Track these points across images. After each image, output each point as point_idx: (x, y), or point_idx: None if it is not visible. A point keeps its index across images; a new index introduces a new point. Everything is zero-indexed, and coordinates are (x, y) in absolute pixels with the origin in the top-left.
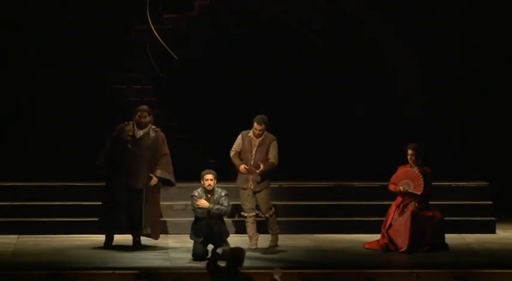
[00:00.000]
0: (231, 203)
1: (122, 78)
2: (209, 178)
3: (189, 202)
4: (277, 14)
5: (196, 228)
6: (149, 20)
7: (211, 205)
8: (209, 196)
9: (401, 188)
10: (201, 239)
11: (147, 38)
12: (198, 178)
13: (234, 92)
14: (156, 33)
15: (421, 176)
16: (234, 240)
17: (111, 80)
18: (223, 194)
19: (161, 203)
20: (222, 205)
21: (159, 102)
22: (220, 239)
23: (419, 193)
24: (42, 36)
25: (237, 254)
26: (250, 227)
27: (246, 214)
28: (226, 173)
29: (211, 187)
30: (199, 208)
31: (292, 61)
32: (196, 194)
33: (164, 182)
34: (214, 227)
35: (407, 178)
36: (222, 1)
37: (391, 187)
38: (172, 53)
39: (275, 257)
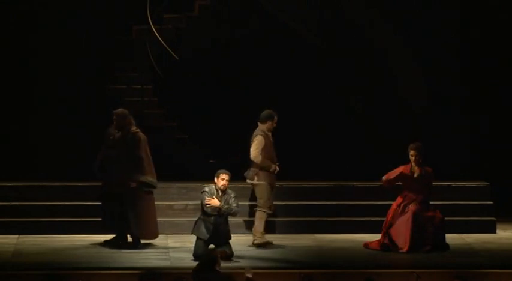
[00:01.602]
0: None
1: (122, 78)
2: (225, 178)
3: (189, 202)
4: (276, 14)
5: (204, 225)
6: (149, 20)
7: (222, 204)
8: (220, 194)
9: (384, 177)
10: (207, 238)
11: (147, 38)
12: (197, 178)
13: (234, 92)
14: (156, 33)
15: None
16: (239, 240)
17: (111, 80)
18: (233, 195)
19: (161, 203)
20: (231, 205)
21: (159, 102)
22: (224, 239)
23: (384, 178)
24: (42, 37)
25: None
26: (264, 224)
27: (269, 211)
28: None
29: (225, 187)
30: (210, 206)
31: (292, 61)
32: (207, 190)
33: (145, 185)
34: (220, 227)
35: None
36: (222, 1)
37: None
38: (173, 53)
39: (275, 257)
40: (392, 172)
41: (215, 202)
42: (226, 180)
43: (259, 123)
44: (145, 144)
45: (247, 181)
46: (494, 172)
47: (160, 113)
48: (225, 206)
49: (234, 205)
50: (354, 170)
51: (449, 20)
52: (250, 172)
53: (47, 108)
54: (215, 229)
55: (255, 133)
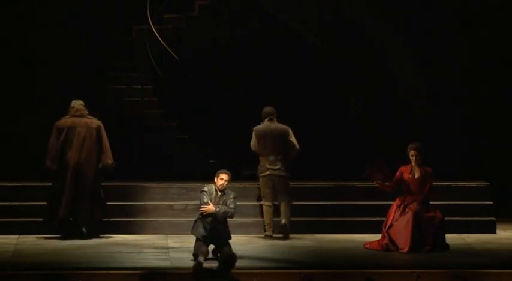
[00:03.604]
0: (237, 203)
1: (122, 78)
2: (224, 178)
3: (189, 202)
4: (276, 14)
5: (201, 225)
6: (149, 20)
7: (217, 209)
8: (219, 194)
9: (375, 183)
10: (203, 236)
11: (147, 38)
12: (197, 178)
13: (234, 92)
14: (156, 33)
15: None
16: (239, 240)
17: (111, 80)
18: (232, 196)
19: (161, 203)
20: (228, 206)
21: (159, 102)
22: (221, 240)
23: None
24: (43, 37)
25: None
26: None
27: None
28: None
29: (223, 187)
30: (207, 214)
31: (292, 61)
32: (206, 189)
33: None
34: (219, 227)
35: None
36: (222, 1)
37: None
38: (173, 53)
39: (275, 257)
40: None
41: (210, 208)
42: (225, 180)
43: (275, 119)
44: (56, 131)
45: (283, 174)
46: (494, 172)
47: (160, 113)
48: (221, 212)
49: (232, 206)
50: (354, 170)
51: (449, 20)
52: (288, 165)
53: (47, 108)
54: (213, 228)
55: (283, 127)
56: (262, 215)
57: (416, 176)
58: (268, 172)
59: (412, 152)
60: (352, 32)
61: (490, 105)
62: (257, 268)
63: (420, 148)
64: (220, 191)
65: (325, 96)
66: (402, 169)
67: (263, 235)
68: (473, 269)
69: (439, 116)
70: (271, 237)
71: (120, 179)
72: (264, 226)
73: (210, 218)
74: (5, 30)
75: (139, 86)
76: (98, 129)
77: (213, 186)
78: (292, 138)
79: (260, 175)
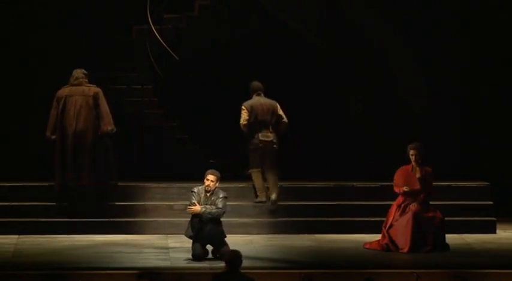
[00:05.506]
0: (227, 204)
1: (122, 78)
2: (210, 179)
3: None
4: (276, 14)
5: (190, 224)
6: (149, 20)
7: (203, 210)
8: (208, 195)
9: (405, 188)
10: (190, 236)
11: (147, 38)
12: (197, 178)
13: (234, 92)
14: (156, 33)
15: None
16: (237, 240)
17: (111, 80)
18: (221, 195)
19: (161, 203)
20: (216, 206)
21: (159, 102)
22: (213, 240)
23: (418, 187)
24: (42, 37)
25: (234, 256)
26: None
27: None
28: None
29: (210, 188)
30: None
31: (292, 61)
32: (195, 190)
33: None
34: (206, 228)
35: (406, 179)
36: (222, 1)
37: (396, 189)
38: (173, 53)
39: (275, 257)
40: (396, 178)
41: (195, 209)
42: (211, 181)
43: (262, 94)
44: (55, 101)
45: (275, 146)
46: (494, 172)
47: (160, 113)
48: (207, 212)
49: (220, 205)
50: (354, 170)
51: (449, 20)
52: (278, 138)
53: (47, 108)
54: (200, 229)
55: (271, 101)
56: (255, 192)
57: (417, 176)
58: (261, 145)
59: (411, 152)
60: (352, 32)
61: (490, 105)
62: (257, 268)
63: (420, 148)
64: (207, 191)
65: (325, 96)
66: (402, 169)
67: (256, 201)
68: (473, 269)
69: (439, 116)
70: (263, 203)
71: (120, 179)
72: (256, 191)
73: (197, 219)
74: (5, 30)
75: (139, 86)
76: (95, 96)
77: (203, 187)
78: (281, 112)
79: (252, 147)
